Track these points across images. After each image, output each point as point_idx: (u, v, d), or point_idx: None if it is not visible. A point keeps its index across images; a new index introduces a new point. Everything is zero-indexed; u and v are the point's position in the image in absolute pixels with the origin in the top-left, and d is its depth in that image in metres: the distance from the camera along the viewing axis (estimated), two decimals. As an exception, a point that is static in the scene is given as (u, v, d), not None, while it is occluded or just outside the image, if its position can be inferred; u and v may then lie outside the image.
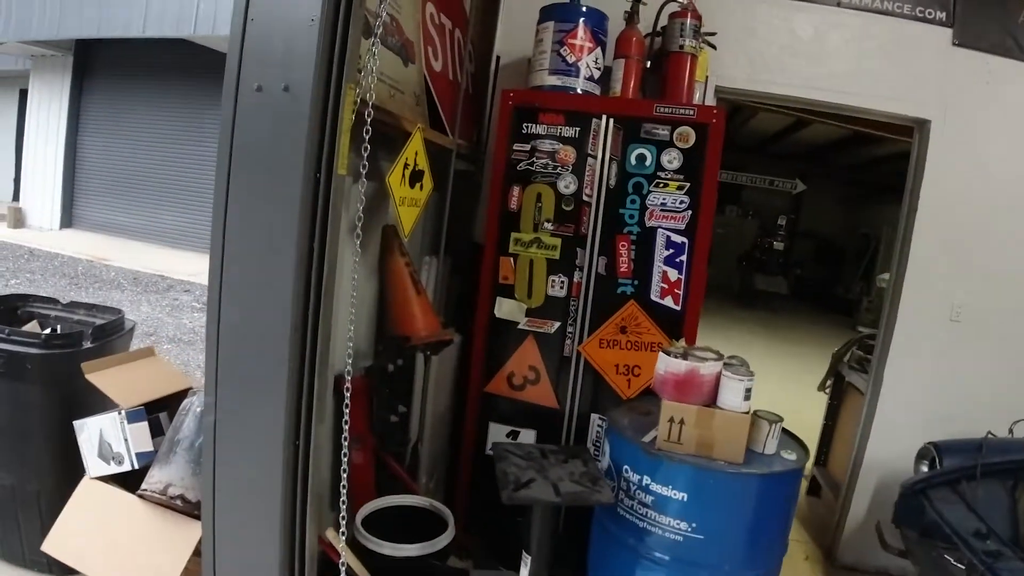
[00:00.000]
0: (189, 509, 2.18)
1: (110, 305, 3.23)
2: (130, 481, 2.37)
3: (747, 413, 2.10)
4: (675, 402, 2.11)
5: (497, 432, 2.93)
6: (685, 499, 2.06)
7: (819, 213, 14.76)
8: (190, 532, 2.11)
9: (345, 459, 1.87)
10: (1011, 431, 2.85)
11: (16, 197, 13.85)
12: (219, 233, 1.85)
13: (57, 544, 2.30)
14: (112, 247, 10.85)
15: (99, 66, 12.15)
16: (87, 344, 2.71)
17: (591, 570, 2.39)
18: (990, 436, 2.80)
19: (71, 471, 2.46)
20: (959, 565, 2.45)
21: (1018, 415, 2.83)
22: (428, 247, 3.16)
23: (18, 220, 12.94)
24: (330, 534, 1.97)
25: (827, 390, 4.33)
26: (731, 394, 2.11)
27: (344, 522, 1.90)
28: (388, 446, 2.57)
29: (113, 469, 2.38)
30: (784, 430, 2.28)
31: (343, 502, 1.89)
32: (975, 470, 2.73)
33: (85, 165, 12.75)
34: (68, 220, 13.58)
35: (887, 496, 3.01)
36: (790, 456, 2.20)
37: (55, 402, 2.54)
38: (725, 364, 2.15)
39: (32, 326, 2.97)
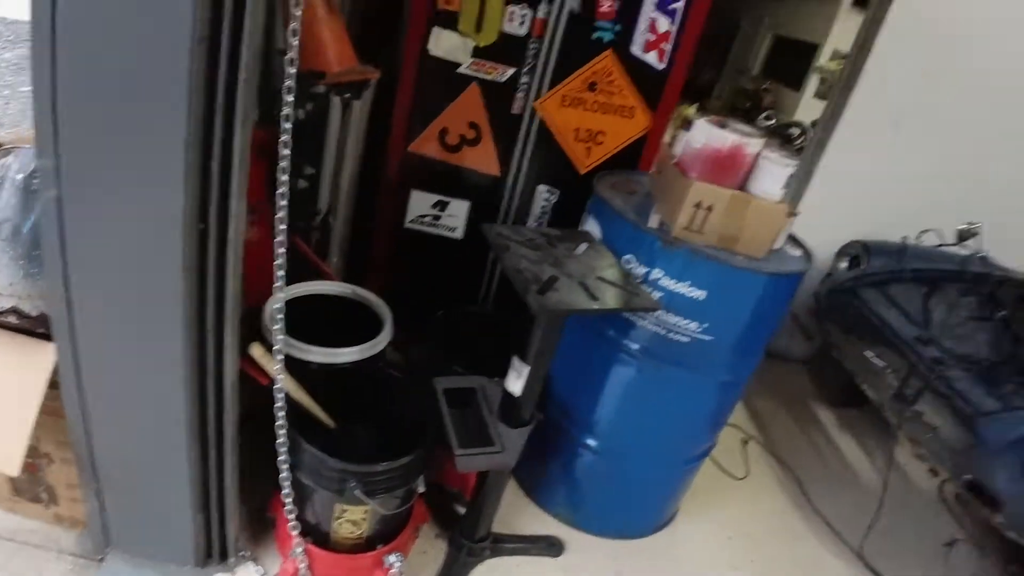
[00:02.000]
0: (30, 326, 1.35)
1: None
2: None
3: (782, 203, 1.72)
4: (708, 184, 1.65)
5: (421, 201, 2.31)
6: (704, 298, 1.70)
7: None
8: (40, 358, 1.31)
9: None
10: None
11: None
12: None
13: None
14: None
15: None
16: None
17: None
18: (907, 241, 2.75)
19: None
20: (881, 362, 2.47)
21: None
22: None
23: None
24: (256, 351, 1.33)
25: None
26: (770, 180, 1.68)
27: (277, 327, 1.25)
28: (293, 219, 1.84)
29: None
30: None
31: (284, 291, 1.23)
32: (903, 273, 2.72)
33: None
34: None
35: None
36: (796, 252, 1.91)
37: None
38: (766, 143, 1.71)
39: None
